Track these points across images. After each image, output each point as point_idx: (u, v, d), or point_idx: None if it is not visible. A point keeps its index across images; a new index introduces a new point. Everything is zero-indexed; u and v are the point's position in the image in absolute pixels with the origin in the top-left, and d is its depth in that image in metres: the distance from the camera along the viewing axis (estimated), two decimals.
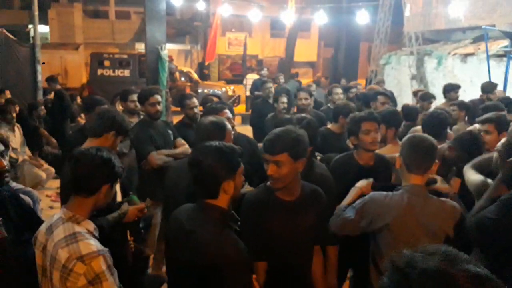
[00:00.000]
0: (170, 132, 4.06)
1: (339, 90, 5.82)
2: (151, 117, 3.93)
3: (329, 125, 4.54)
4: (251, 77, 14.67)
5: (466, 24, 11.52)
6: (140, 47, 16.28)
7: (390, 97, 5.06)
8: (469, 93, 6.70)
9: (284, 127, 2.24)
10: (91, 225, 1.87)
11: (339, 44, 16.40)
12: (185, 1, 14.77)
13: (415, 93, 6.49)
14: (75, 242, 1.75)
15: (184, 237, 1.78)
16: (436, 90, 10.68)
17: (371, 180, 2.57)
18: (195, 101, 4.51)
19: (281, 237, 2.17)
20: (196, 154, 1.83)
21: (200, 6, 14.18)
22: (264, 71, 11.96)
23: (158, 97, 3.98)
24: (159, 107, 3.96)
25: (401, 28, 13.67)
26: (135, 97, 4.27)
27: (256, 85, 10.79)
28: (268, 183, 2.24)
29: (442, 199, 2.25)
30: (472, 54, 10.54)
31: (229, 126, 2.60)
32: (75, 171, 1.86)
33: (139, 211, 2.51)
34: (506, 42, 9.67)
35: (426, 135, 2.33)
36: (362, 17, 13.18)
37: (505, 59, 9.32)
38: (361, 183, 2.56)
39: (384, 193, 2.25)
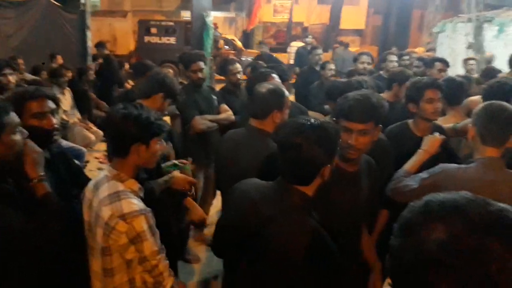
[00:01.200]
0: (214, 97, 4.04)
1: (394, 57, 5.54)
2: (194, 83, 3.91)
3: (382, 94, 4.31)
4: (295, 45, 14.31)
5: None
6: (186, 15, 16.23)
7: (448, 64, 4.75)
8: None
9: (358, 91, 2.08)
10: (135, 185, 1.85)
11: (390, 12, 15.65)
12: None
13: (465, 61, 6.10)
14: (117, 200, 1.74)
15: (258, 222, 1.59)
16: (497, 61, 10.04)
17: (442, 137, 2.40)
18: (238, 66, 4.45)
19: (340, 210, 2.01)
20: (292, 135, 1.57)
21: None
22: (309, 39, 11.54)
23: (201, 64, 3.93)
24: (201, 75, 3.91)
25: None
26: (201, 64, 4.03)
27: (300, 54, 10.45)
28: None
29: None
30: None
31: (287, 93, 2.48)
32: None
33: (188, 183, 2.42)
34: None
35: (504, 103, 2.10)
36: None
37: None
38: (429, 142, 2.40)
39: (456, 165, 2.07)
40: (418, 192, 2.01)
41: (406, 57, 6.46)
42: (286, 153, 1.59)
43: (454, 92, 3.29)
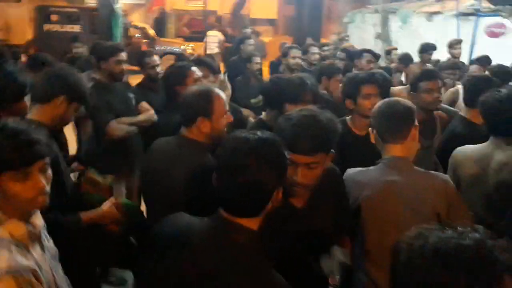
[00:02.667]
0: (131, 95, 3.59)
1: (316, 49, 5.47)
2: (114, 77, 3.43)
3: None
4: (212, 34, 13.95)
5: None
6: (91, 1, 15.06)
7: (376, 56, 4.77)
8: (435, 53, 6.64)
9: (306, 112, 1.69)
10: (19, 228, 1.43)
11: (302, 1, 15.85)
12: None
13: (388, 52, 6.29)
14: None
15: (197, 281, 1.22)
16: (401, 50, 10.56)
17: None
18: (156, 59, 4.06)
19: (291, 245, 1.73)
20: (236, 154, 1.26)
21: None
22: (248, 29, 10.76)
23: (124, 55, 3.48)
24: (124, 67, 3.47)
25: None
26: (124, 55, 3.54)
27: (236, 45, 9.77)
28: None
29: (432, 172, 2.01)
30: (438, 13, 10.41)
31: (222, 94, 2.14)
32: None
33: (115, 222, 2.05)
34: (472, 0, 9.58)
35: (398, 99, 2.08)
36: None
37: (470, 18, 9.25)
38: None
39: (359, 168, 2.03)
40: None
41: (326, 48, 6.47)
42: (229, 178, 1.26)
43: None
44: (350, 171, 2.03)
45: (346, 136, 2.61)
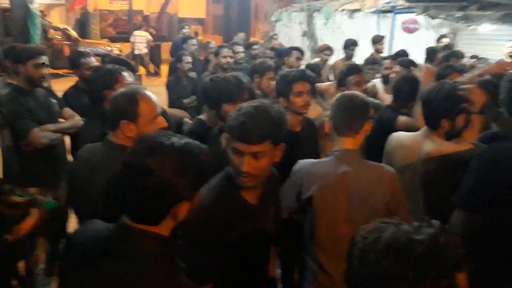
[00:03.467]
0: (54, 101, 3.38)
1: (240, 48, 5.47)
2: (34, 82, 3.19)
3: None
4: (139, 34, 13.61)
5: None
6: (4, 1, 14.09)
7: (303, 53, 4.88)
8: (358, 48, 6.99)
9: (252, 103, 1.70)
10: None
11: (230, 1, 15.92)
12: None
13: (321, 50, 6.45)
14: None
15: None
16: None
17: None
18: (93, 60, 3.87)
19: (247, 244, 1.72)
20: (142, 155, 1.18)
21: None
22: (186, 29, 10.39)
23: (45, 58, 3.24)
24: (46, 70, 3.24)
25: None
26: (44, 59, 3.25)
27: (176, 45, 9.44)
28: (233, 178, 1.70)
29: (381, 164, 2.07)
30: (358, 10, 10.87)
31: (152, 96, 2.01)
32: None
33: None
34: None
35: (356, 92, 2.15)
36: None
37: (388, 15, 9.78)
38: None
39: (312, 160, 2.07)
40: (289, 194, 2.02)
41: (256, 47, 6.51)
42: (131, 179, 1.18)
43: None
44: (302, 163, 2.06)
45: None
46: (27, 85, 3.19)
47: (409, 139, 2.36)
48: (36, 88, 3.24)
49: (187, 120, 3.63)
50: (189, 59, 5.16)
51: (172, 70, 5.77)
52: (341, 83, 3.27)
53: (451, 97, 2.19)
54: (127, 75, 2.63)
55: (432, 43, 7.72)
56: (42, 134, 3.08)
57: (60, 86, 4.22)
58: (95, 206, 1.79)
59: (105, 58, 4.37)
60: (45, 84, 3.38)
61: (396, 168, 2.10)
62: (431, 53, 5.42)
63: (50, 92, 3.48)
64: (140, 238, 1.19)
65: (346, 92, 2.21)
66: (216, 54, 5.03)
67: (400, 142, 2.39)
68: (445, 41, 6.74)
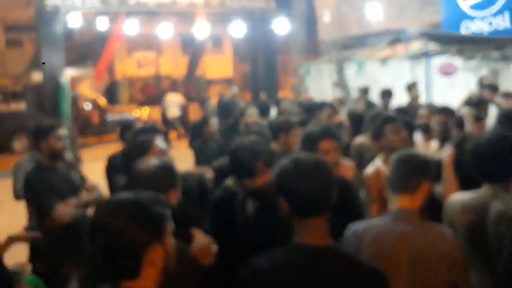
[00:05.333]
0: (75, 175, 3.37)
1: (254, 111, 5.20)
2: (56, 155, 3.20)
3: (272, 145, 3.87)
4: (172, 98, 13.70)
5: (379, 28, 11.67)
6: (38, 77, 14.65)
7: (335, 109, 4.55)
8: (393, 94, 6.76)
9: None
10: None
11: (256, 59, 15.99)
12: (84, 22, 13.46)
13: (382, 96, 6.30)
14: None
15: None
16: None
17: None
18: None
19: None
20: (100, 213, 1.31)
21: (101, 26, 12.83)
22: (234, 89, 10.24)
23: (63, 131, 3.26)
24: (63, 143, 3.25)
25: (317, 37, 13.58)
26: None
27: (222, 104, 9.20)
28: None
29: (441, 225, 1.95)
30: (390, 57, 10.62)
31: (177, 169, 2.03)
32: None
33: None
34: (419, 43, 9.82)
35: (417, 151, 2.18)
36: (279, 27, 12.91)
37: (421, 59, 9.48)
38: None
39: (363, 222, 1.97)
40: None
41: (285, 103, 6.24)
42: (94, 239, 1.29)
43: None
44: (354, 226, 1.93)
45: None
46: (49, 161, 3.19)
47: (474, 199, 2.14)
48: (57, 163, 3.24)
49: (208, 175, 3.59)
50: (215, 120, 4.93)
51: (197, 132, 5.55)
52: (378, 134, 3.09)
53: None
54: (158, 143, 2.65)
55: (471, 86, 7.33)
56: (66, 211, 3.05)
57: (90, 155, 4.16)
58: None
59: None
60: (67, 158, 3.40)
61: (461, 232, 2.01)
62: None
63: (71, 166, 3.50)
64: None
65: (407, 150, 2.16)
66: (241, 114, 4.86)
67: (463, 204, 2.15)
68: (487, 80, 6.36)
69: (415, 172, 1.89)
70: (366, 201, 2.91)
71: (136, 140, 2.88)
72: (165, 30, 13.35)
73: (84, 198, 3.28)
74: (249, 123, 4.74)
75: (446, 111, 3.88)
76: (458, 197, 2.23)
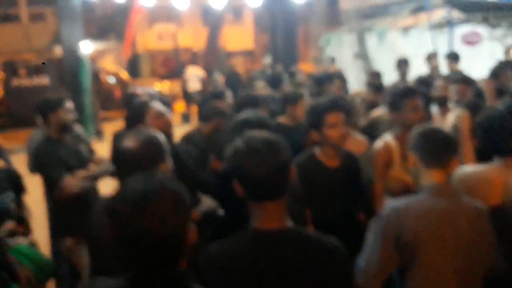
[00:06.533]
0: (83, 147, 3.42)
1: (262, 83, 5.15)
2: (64, 128, 3.25)
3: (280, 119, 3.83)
4: (192, 72, 13.67)
5: None
6: (60, 51, 14.87)
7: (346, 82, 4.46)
8: (414, 65, 6.54)
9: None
10: None
11: (275, 29, 15.73)
12: None
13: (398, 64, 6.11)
14: None
15: None
16: (381, 66, 10.32)
17: None
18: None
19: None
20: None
21: None
22: (267, 60, 10.08)
23: (70, 105, 3.32)
24: (73, 115, 3.33)
25: (337, 6, 13.23)
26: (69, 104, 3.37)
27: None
28: None
29: (475, 200, 1.86)
30: (412, 27, 10.29)
31: (163, 143, 1.90)
32: None
33: None
34: (443, 11, 9.46)
35: (436, 126, 2.03)
36: None
37: (445, 28, 9.13)
38: None
39: (402, 200, 1.84)
40: (386, 250, 1.77)
41: (299, 75, 6.16)
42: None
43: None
44: (391, 205, 1.85)
45: (316, 168, 2.47)
46: (57, 134, 3.23)
47: (489, 171, 2.07)
48: (65, 136, 3.28)
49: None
50: (230, 94, 4.86)
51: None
52: (395, 106, 2.75)
53: None
54: (157, 105, 2.71)
55: (497, 56, 7.03)
56: (74, 182, 3.07)
57: (112, 129, 4.26)
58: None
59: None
60: (76, 130, 3.45)
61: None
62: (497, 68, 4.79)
63: (79, 138, 3.55)
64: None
65: (429, 126, 2.04)
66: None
67: (480, 177, 2.07)
68: None
69: (447, 147, 1.87)
70: (372, 177, 2.78)
71: (132, 106, 2.91)
72: (183, 1, 13.23)
73: (92, 171, 3.29)
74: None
75: (465, 81, 3.72)
76: (471, 171, 2.15)
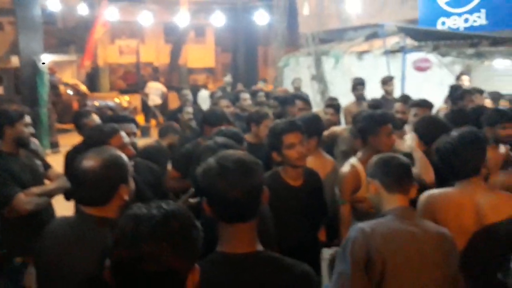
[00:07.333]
0: (38, 162, 3.18)
1: (247, 95, 5.32)
2: (23, 142, 3.04)
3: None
4: (154, 86, 13.70)
5: (358, 23, 11.83)
6: (17, 61, 14.45)
7: (309, 102, 4.63)
8: (368, 88, 6.80)
9: None
10: None
11: (237, 49, 16.09)
12: (66, 8, 13.33)
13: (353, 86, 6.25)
14: None
15: None
16: (336, 89, 10.76)
17: None
18: (95, 118, 3.70)
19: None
20: (136, 237, 1.07)
21: (83, 11, 12.73)
22: (227, 78, 10.27)
23: (28, 118, 3.12)
24: (31, 129, 3.12)
25: (297, 29, 13.70)
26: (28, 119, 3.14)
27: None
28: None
29: (438, 225, 1.89)
30: (367, 52, 10.78)
31: (127, 163, 1.80)
32: None
33: None
34: (397, 38, 9.98)
35: (395, 154, 2.09)
36: (260, 18, 12.96)
37: (398, 54, 9.61)
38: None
39: (369, 222, 1.82)
40: (358, 274, 1.72)
41: (261, 93, 6.35)
42: (130, 268, 1.05)
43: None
44: (359, 225, 1.82)
45: (280, 187, 2.48)
46: (13, 148, 3.02)
47: (456, 194, 2.13)
48: (19, 151, 3.06)
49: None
50: (190, 109, 4.99)
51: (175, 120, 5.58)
52: (371, 131, 2.74)
53: (481, 141, 2.15)
54: (123, 135, 2.45)
55: (446, 81, 7.48)
56: (26, 199, 2.83)
57: (68, 141, 4.11)
58: None
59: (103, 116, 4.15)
60: (32, 146, 3.20)
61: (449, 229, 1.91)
62: (454, 92, 5.06)
63: (34, 153, 3.28)
64: None
65: (387, 153, 2.10)
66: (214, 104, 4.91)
67: (449, 199, 2.12)
68: (465, 78, 6.42)
69: (407, 173, 1.92)
70: (339, 199, 2.80)
71: (99, 126, 2.67)
72: (147, 17, 13.32)
73: (47, 187, 3.11)
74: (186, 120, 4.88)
75: (424, 104, 3.76)
76: (436, 193, 2.20)
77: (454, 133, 2.20)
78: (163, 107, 14.11)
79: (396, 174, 1.90)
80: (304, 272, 1.39)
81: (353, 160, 2.79)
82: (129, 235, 1.05)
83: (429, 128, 2.90)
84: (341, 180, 2.75)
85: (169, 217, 1.08)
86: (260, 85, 10.01)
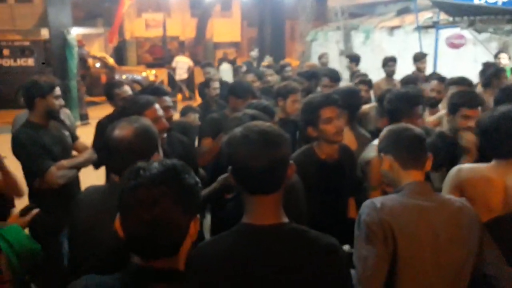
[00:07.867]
0: (66, 133, 3.18)
1: (270, 71, 5.22)
2: (54, 114, 3.02)
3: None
4: (181, 60, 13.70)
5: None
6: (46, 33, 14.65)
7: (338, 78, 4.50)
8: (398, 65, 6.60)
9: None
10: None
11: (263, 24, 15.84)
12: None
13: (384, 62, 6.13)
14: None
15: None
16: (365, 65, 10.52)
17: None
18: (127, 89, 3.70)
19: None
20: (138, 186, 1.11)
21: None
22: (254, 52, 9.98)
23: (58, 90, 3.07)
24: (61, 101, 3.07)
25: (326, 3, 13.39)
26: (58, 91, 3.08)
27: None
28: None
29: (458, 199, 1.78)
30: (398, 27, 10.47)
31: (157, 134, 1.79)
32: None
33: None
34: (430, 13, 9.64)
35: (405, 124, 1.93)
36: None
37: (430, 30, 9.29)
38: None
39: (380, 197, 1.76)
40: (379, 248, 1.64)
41: (288, 68, 6.23)
42: (134, 216, 1.09)
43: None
44: (369, 201, 1.76)
45: (314, 163, 2.39)
46: (43, 120, 3.01)
47: (488, 170, 2.05)
48: (49, 122, 3.05)
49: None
50: (216, 84, 4.93)
51: (201, 95, 5.56)
52: (398, 114, 2.60)
53: None
54: (158, 108, 2.36)
55: (480, 59, 7.19)
56: (58, 173, 2.84)
57: (97, 113, 4.12)
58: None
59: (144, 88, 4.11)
60: (62, 117, 3.20)
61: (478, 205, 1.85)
62: (487, 69, 4.79)
63: (63, 124, 3.28)
64: (154, 277, 1.11)
65: (398, 124, 1.95)
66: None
67: (480, 175, 2.05)
68: (504, 56, 6.13)
69: (422, 147, 1.81)
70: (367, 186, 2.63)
71: (134, 97, 2.61)
72: None
73: (76, 159, 3.10)
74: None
75: (462, 82, 3.60)
76: (470, 167, 2.13)
77: (501, 108, 2.11)
78: (189, 81, 14.13)
79: (411, 149, 1.79)
80: (330, 244, 1.37)
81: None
82: (131, 182, 1.11)
83: None
84: (368, 165, 2.54)
85: (168, 167, 1.14)
86: (268, 60, 9.84)
